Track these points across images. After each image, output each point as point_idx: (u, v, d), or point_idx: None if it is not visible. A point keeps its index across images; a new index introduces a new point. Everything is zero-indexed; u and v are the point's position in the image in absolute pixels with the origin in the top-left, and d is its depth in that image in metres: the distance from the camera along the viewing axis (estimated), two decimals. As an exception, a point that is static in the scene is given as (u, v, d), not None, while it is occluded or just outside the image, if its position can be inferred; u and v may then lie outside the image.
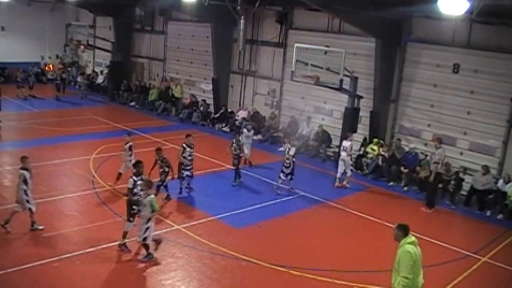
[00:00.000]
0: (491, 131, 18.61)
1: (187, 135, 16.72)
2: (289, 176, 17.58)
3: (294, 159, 17.54)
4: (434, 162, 17.10)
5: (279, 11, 25.02)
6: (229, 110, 27.80)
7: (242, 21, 24.30)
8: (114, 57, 34.01)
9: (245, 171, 19.15)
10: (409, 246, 8.41)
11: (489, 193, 17.40)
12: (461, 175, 18.64)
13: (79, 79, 35.06)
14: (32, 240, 12.07)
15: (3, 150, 19.52)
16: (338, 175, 18.88)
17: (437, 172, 17.09)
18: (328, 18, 23.00)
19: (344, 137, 19.50)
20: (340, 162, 18.89)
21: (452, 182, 18.15)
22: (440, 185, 17.74)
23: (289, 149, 17.58)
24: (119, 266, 11.66)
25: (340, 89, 19.51)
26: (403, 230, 8.57)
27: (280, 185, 17.64)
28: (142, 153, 21.06)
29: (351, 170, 19.16)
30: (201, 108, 28.57)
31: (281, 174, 17.54)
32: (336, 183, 18.84)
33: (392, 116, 21.38)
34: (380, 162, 20.08)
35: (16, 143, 21.15)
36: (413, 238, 8.55)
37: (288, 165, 17.46)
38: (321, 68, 19.80)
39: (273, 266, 12.17)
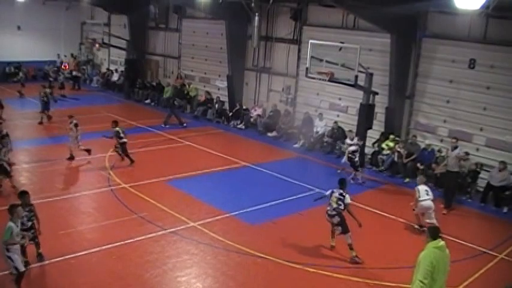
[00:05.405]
0: (508, 126, 18.34)
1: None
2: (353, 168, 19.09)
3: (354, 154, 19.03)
4: (458, 157, 16.88)
5: (293, 7, 24.93)
6: (244, 107, 27.82)
7: (256, 18, 24.27)
8: (129, 55, 34.23)
9: (260, 168, 19.14)
10: (432, 250, 8.23)
11: (506, 189, 17.23)
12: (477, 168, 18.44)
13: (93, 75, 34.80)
14: (48, 238, 12.14)
15: (21, 148, 19.62)
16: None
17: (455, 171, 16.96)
18: (342, 14, 22.86)
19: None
20: None
21: (469, 176, 18.04)
22: (458, 180, 17.58)
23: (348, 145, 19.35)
24: (134, 263, 11.71)
25: (355, 85, 19.40)
26: (432, 233, 8.43)
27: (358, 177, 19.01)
28: (157, 151, 21.28)
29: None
30: (216, 106, 28.61)
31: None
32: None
33: (407, 112, 21.22)
34: (396, 159, 20.00)
35: (33, 141, 21.36)
36: (441, 243, 8.33)
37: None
38: (336, 64, 19.65)
39: (288, 263, 12.18)
